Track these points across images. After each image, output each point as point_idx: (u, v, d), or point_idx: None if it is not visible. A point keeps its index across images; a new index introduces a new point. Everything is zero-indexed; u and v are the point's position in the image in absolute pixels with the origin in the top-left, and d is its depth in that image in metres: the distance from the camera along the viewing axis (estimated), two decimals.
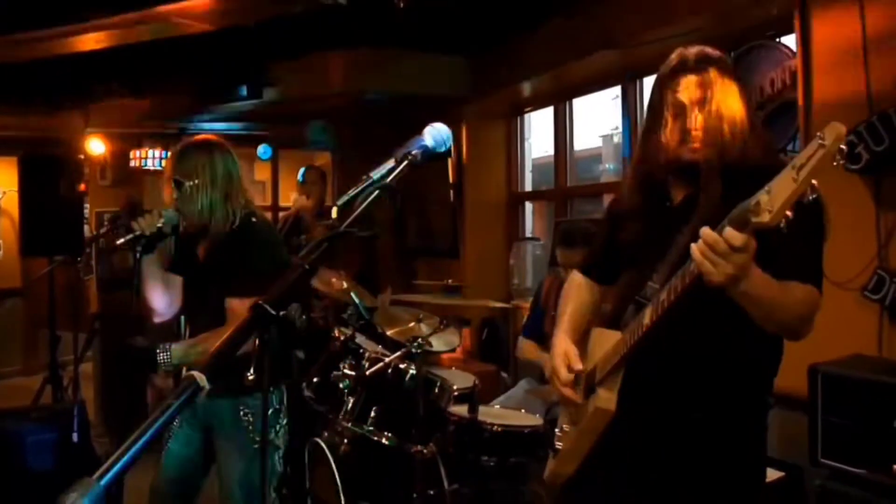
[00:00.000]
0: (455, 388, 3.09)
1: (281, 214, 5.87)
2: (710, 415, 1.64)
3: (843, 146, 1.15)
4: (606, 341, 1.71)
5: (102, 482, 0.82)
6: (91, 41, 4.06)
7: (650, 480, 1.68)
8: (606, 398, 1.65)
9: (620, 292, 1.80)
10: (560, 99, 5.18)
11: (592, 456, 1.74)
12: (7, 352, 7.18)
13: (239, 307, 2.24)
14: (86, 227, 4.98)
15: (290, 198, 7.73)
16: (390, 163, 1.40)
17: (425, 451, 2.84)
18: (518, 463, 2.94)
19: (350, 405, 3.08)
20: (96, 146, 5.91)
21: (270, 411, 2.39)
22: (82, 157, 5.65)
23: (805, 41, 2.99)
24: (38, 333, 6.57)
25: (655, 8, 3.67)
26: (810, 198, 1.18)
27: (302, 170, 4.90)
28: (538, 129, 5.78)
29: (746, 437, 1.68)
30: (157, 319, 2.58)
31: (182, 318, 2.65)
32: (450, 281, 4.54)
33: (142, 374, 4.45)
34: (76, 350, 4.46)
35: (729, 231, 1.27)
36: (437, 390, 3.08)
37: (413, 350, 2.98)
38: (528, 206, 5.81)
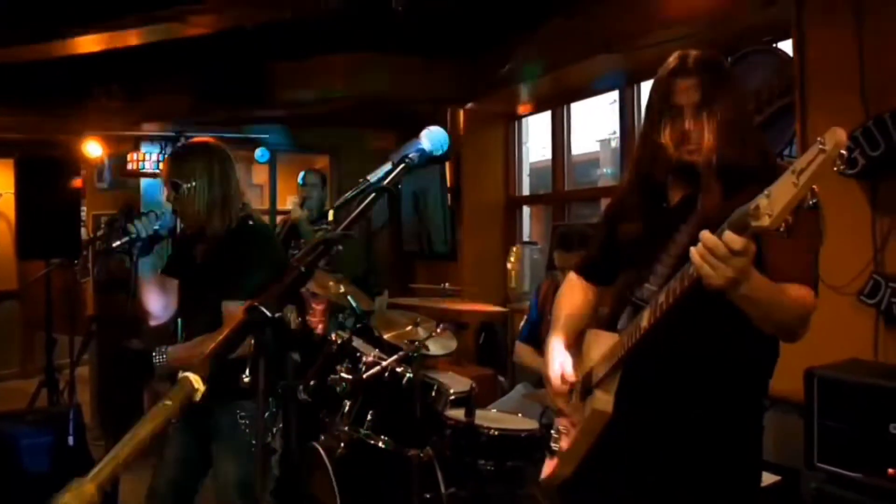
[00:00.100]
0: (452, 391, 3.09)
1: (279, 218, 5.87)
2: (708, 416, 1.64)
3: (843, 151, 1.15)
4: (603, 343, 1.72)
5: (96, 483, 0.82)
6: (89, 43, 4.06)
7: (648, 482, 1.68)
8: (604, 400, 1.65)
9: (617, 293, 1.80)
10: (558, 103, 5.19)
11: (590, 457, 1.74)
12: (3, 354, 7.16)
13: (235, 310, 2.24)
14: (83, 230, 4.97)
15: (288, 201, 7.75)
16: (387, 166, 1.40)
17: (422, 454, 2.84)
18: (515, 467, 2.93)
19: (347, 409, 3.08)
20: (93, 148, 5.90)
21: (266, 414, 2.38)
22: (79, 159, 5.64)
23: (801, 46, 3.01)
24: (34, 336, 6.56)
25: (653, 13, 3.68)
26: (810, 203, 1.19)
27: (302, 173, 4.91)
28: (536, 134, 5.79)
29: (743, 439, 1.68)
30: (153, 322, 2.58)
31: (179, 320, 2.65)
32: (447, 284, 4.54)
33: (139, 378, 4.45)
34: (72, 353, 4.45)
35: (728, 235, 1.27)
36: (433, 394, 3.08)
37: (410, 354, 2.98)
38: (526, 209, 5.81)
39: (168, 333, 2.54)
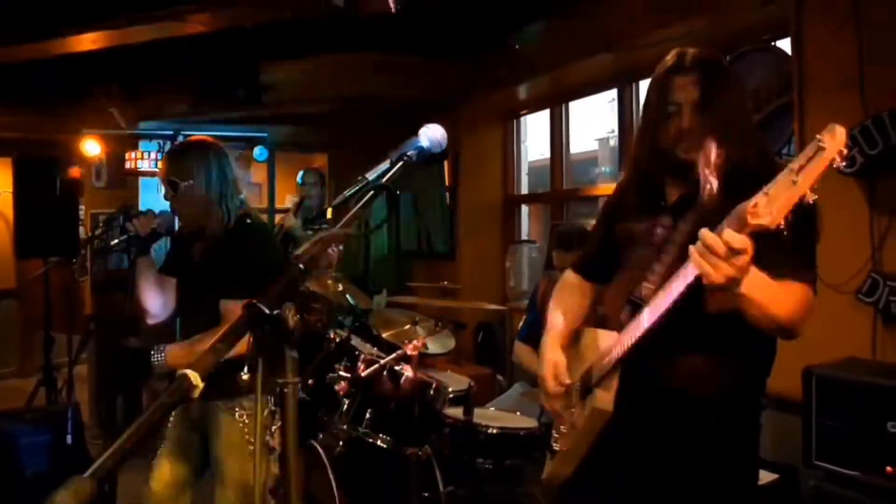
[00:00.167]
0: (450, 390, 3.09)
1: (277, 217, 5.87)
2: (707, 415, 1.64)
3: (843, 149, 1.15)
4: (602, 342, 1.72)
5: (95, 480, 0.82)
6: (87, 41, 4.05)
7: (647, 482, 1.68)
8: (604, 399, 1.66)
9: (615, 292, 1.80)
10: (556, 102, 5.19)
11: (590, 457, 1.74)
12: (1, 353, 7.16)
13: (233, 308, 2.24)
14: (81, 229, 4.96)
15: (287, 199, 7.74)
16: (386, 164, 1.40)
17: (421, 453, 2.84)
18: (513, 465, 2.94)
19: (345, 407, 3.08)
20: (91, 147, 5.90)
21: (265, 412, 2.38)
22: (77, 158, 5.64)
23: (800, 45, 3.01)
24: (32, 335, 6.55)
25: (652, 11, 3.68)
26: (809, 201, 1.19)
27: (301, 172, 4.91)
28: (534, 132, 5.79)
29: (741, 438, 1.68)
30: (151, 321, 2.58)
31: (178, 319, 2.65)
32: (446, 283, 4.54)
33: (137, 376, 4.45)
34: (71, 352, 4.45)
35: (728, 233, 1.27)
36: (432, 392, 3.08)
37: (408, 352, 2.98)
38: (524, 208, 5.81)
39: (166, 332, 2.54)
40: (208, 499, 2.49)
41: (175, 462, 2.49)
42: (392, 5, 3.36)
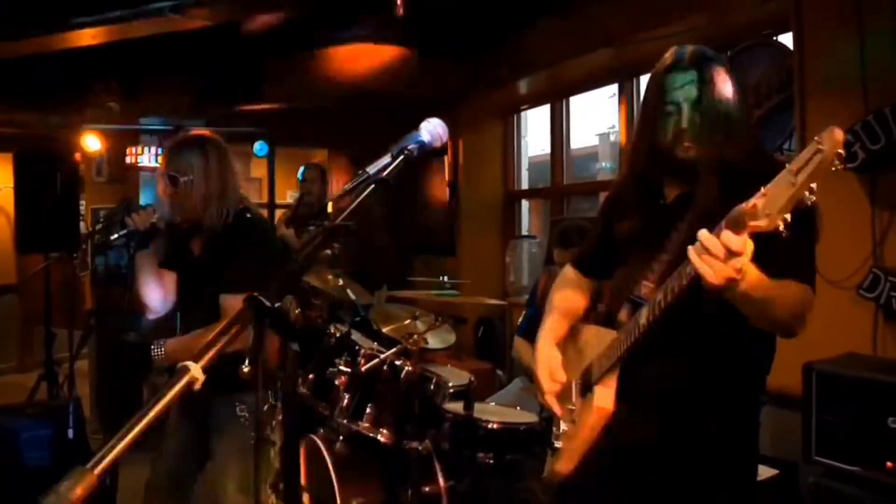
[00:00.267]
0: (451, 385, 3.09)
1: (278, 213, 5.86)
2: (706, 412, 1.64)
3: (840, 151, 1.15)
4: (601, 340, 1.72)
5: (96, 471, 0.82)
6: (87, 36, 4.04)
7: (647, 478, 1.68)
8: (605, 397, 1.66)
9: (614, 290, 1.80)
10: (557, 97, 5.18)
11: (591, 454, 1.74)
12: (2, 348, 7.17)
13: (233, 303, 2.24)
14: (81, 224, 4.96)
15: (287, 195, 7.74)
16: (386, 158, 1.40)
17: (421, 448, 2.84)
18: (514, 460, 2.93)
19: (346, 402, 3.07)
20: (92, 143, 5.90)
21: (266, 406, 2.38)
22: (78, 153, 5.64)
23: (801, 40, 3.00)
24: (33, 330, 6.56)
25: (652, 6, 3.67)
26: (808, 202, 1.19)
27: (301, 169, 4.91)
28: (535, 127, 5.78)
29: (740, 435, 1.69)
30: (150, 315, 2.58)
31: (177, 314, 2.65)
32: (446, 278, 4.54)
33: (138, 371, 4.45)
34: (72, 347, 4.45)
35: (726, 234, 1.27)
36: (432, 387, 3.08)
37: (409, 347, 2.98)
38: (525, 203, 5.81)
39: (166, 327, 2.54)
40: (209, 493, 2.49)
41: (176, 456, 2.49)
42: (400, 6, 3.37)
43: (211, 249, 2.44)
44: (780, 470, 2.64)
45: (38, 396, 4.46)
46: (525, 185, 5.80)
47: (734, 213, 1.27)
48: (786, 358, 1.73)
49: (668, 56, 1.68)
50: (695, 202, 1.59)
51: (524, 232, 5.75)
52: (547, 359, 1.83)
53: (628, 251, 1.77)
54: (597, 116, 6.23)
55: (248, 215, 2.46)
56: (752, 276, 1.35)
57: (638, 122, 1.78)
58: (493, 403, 3.43)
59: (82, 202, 5.47)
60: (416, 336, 3.00)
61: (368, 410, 3.06)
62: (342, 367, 3.05)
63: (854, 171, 2.70)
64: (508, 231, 5.70)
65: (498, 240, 5.67)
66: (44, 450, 3.43)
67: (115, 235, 2.37)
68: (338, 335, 3.28)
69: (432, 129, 1.47)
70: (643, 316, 1.55)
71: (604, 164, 7.38)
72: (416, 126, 1.49)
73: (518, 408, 3.26)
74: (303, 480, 3.11)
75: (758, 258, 1.33)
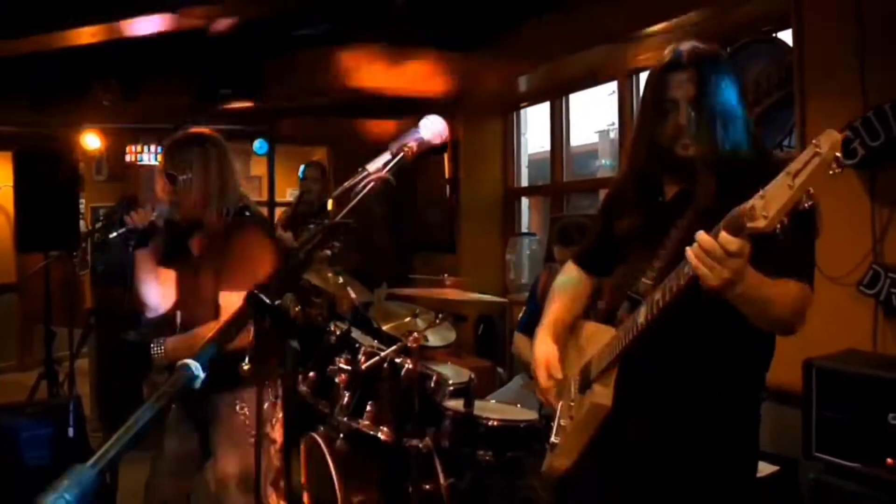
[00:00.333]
0: (451, 382, 3.09)
1: (277, 211, 5.86)
2: (705, 410, 1.64)
3: (838, 154, 1.15)
4: (601, 337, 1.72)
5: (96, 469, 0.82)
6: (87, 35, 4.04)
7: (647, 475, 1.69)
8: (603, 394, 1.66)
9: (613, 287, 1.80)
10: (556, 94, 5.17)
11: (589, 451, 1.74)
12: (2, 347, 7.17)
13: (233, 300, 2.24)
14: (81, 223, 4.96)
15: (287, 193, 7.74)
16: (386, 155, 1.40)
17: (421, 445, 2.84)
18: (514, 457, 2.94)
19: (346, 400, 3.08)
20: (92, 141, 5.90)
21: (266, 404, 2.38)
22: (77, 151, 5.63)
23: (801, 36, 3.00)
24: (33, 329, 6.56)
25: (652, 3, 3.67)
26: (806, 205, 1.19)
27: (302, 167, 4.91)
28: (534, 125, 5.78)
29: (740, 432, 1.69)
30: (150, 314, 2.57)
31: (177, 312, 2.65)
32: (446, 276, 4.54)
33: (138, 369, 4.44)
34: (72, 345, 4.45)
35: (724, 236, 1.28)
36: (432, 385, 3.08)
37: (409, 345, 2.98)
38: (525, 201, 5.81)
39: (166, 325, 2.54)
40: (209, 491, 2.49)
41: (176, 455, 2.49)
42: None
43: (210, 247, 2.44)
44: (781, 466, 2.64)
45: (38, 395, 4.46)
46: (525, 183, 5.79)
47: (732, 215, 1.27)
48: (786, 354, 1.73)
49: (667, 53, 1.68)
50: (694, 200, 1.60)
51: (524, 229, 5.75)
52: (544, 354, 1.83)
53: (628, 248, 1.78)
54: (597, 114, 6.23)
55: (248, 212, 2.46)
56: (751, 276, 1.35)
57: (637, 120, 1.78)
58: (494, 401, 3.44)
59: (82, 201, 5.47)
60: (416, 334, 3.00)
61: (369, 408, 3.06)
62: (342, 365, 3.06)
63: (854, 168, 2.69)
64: (508, 228, 5.69)
65: (498, 237, 5.66)
66: (44, 448, 3.43)
67: (114, 234, 2.37)
68: (338, 333, 3.28)
69: (432, 127, 1.47)
70: (641, 315, 1.56)
71: (603, 161, 7.39)
72: (415, 123, 1.49)
73: (518, 405, 3.26)
74: (303, 478, 3.11)
75: (756, 257, 1.34)
